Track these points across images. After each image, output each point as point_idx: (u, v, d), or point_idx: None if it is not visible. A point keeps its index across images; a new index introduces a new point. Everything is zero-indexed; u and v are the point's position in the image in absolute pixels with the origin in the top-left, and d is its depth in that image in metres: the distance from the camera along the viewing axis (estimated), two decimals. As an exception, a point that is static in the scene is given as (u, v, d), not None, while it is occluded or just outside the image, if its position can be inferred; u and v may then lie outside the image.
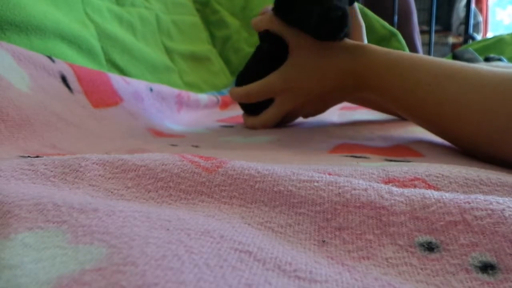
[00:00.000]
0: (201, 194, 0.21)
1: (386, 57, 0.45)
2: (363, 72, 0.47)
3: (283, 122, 0.57)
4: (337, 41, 0.48)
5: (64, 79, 0.43)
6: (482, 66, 0.38)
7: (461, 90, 0.37)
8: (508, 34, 1.43)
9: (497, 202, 0.18)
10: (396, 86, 0.43)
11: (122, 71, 0.69)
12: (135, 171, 0.23)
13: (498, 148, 0.34)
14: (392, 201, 0.19)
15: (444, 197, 0.18)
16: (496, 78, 0.35)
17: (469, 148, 0.38)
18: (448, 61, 0.41)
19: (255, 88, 0.53)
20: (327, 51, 0.49)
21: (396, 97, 0.44)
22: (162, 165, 0.23)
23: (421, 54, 0.45)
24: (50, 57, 0.43)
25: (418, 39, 1.61)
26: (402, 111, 0.46)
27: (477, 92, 0.36)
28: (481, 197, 0.18)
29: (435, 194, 0.19)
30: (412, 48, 1.49)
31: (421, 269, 0.16)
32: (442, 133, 0.41)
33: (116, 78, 0.55)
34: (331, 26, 0.45)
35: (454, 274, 0.16)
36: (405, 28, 1.46)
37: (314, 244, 0.18)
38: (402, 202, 0.19)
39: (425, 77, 0.40)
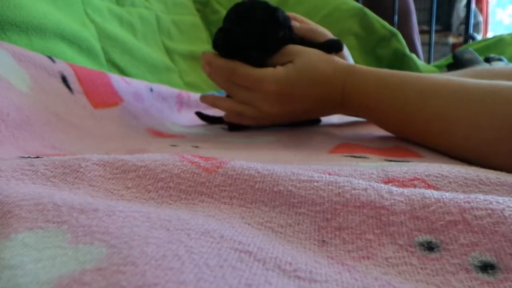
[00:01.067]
0: (201, 195, 0.21)
1: (374, 77, 0.46)
2: (350, 91, 0.47)
3: (253, 123, 0.55)
4: (330, 57, 0.50)
5: (64, 80, 0.43)
6: (467, 79, 0.39)
7: (448, 106, 0.38)
8: (508, 34, 1.43)
9: (497, 202, 0.18)
10: (384, 105, 0.44)
11: (122, 71, 0.69)
12: (135, 171, 0.23)
13: (487, 159, 0.34)
14: (392, 200, 0.19)
15: (444, 196, 0.18)
16: (481, 92, 0.36)
17: (459, 159, 0.38)
18: (434, 77, 0.42)
19: (246, 70, 0.49)
20: (324, 65, 0.49)
21: (384, 115, 0.45)
22: (162, 165, 0.23)
23: (407, 72, 0.45)
24: (50, 57, 0.43)
25: (417, 39, 1.61)
26: (391, 128, 0.46)
27: (463, 107, 0.36)
28: (481, 196, 0.18)
29: (435, 193, 0.19)
30: (412, 48, 1.49)
31: (421, 268, 0.16)
32: (431, 147, 0.41)
33: (116, 78, 0.55)
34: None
35: (454, 274, 0.16)
36: (404, 28, 1.45)
37: (314, 244, 0.18)
38: (402, 201, 0.19)
39: (412, 94, 0.41)
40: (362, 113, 0.49)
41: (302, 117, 0.54)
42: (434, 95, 0.39)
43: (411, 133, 0.43)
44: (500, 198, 0.18)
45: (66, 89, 0.43)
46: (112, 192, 0.22)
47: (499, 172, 0.25)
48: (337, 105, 0.49)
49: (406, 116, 0.42)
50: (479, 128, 0.35)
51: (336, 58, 0.50)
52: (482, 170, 0.25)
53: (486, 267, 0.16)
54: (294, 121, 0.55)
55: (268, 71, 0.48)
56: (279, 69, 0.48)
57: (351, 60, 0.58)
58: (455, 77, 0.41)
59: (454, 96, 0.38)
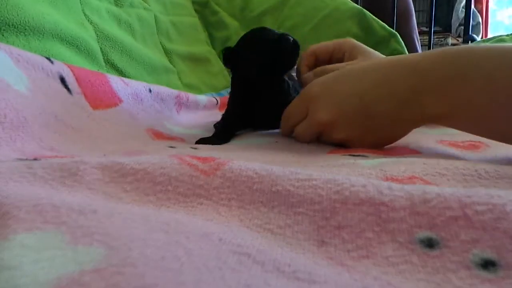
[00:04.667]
0: (199, 197, 0.21)
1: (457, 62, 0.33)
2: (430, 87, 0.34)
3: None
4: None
5: (63, 80, 0.43)
6: None
7: None
8: (508, 35, 1.44)
9: (499, 196, 0.17)
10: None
11: (121, 72, 0.69)
12: (133, 175, 0.23)
13: None
14: (392, 196, 0.19)
15: (444, 191, 0.18)
16: None
17: None
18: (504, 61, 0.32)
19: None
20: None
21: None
22: (161, 168, 0.23)
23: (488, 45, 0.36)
24: (48, 58, 0.43)
25: (417, 40, 1.61)
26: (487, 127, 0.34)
27: None
28: (482, 191, 0.18)
29: (436, 189, 0.19)
30: (411, 49, 1.49)
31: (422, 266, 0.16)
32: None
33: (115, 79, 0.55)
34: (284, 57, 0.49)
35: (454, 272, 0.16)
36: (404, 29, 1.46)
37: (313, 245, 0.18)
38: (402, 197, 0.18)
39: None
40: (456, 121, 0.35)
41: (382, 134, 0.40)
42: None
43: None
44: (502, 192, 0.18)
45: (64, 90, 0.43)
46: (110, 196, 0.21)
47: (497, 165, 0.24)
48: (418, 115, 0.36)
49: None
50: None
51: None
52: (480, 163, 0.25)
53: (487, 264, 0.16)
54: (382, 144, 0.41)
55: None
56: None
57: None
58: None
59: None
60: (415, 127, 0.38)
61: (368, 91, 0.38)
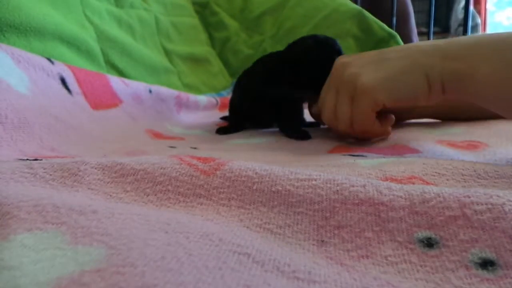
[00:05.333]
0: (199, 197, 0.21)
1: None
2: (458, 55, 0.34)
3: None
4: None
5: (63, 81, 0.43)
6: None
7: None
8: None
9: (497, 196, 0.17)
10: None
11: (121, 73, 0.69)
12: (133, 175, 0.23)
13: None
14: (391, 196, 0.19)
15: (443, 191, 0.18)
16: None
17: None
18: None
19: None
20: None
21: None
22: (161, 168, 0.23)
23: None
24: (49, 59, 0.43)
25: (416, 41, 1.61)
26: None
27: None
28: (480, 190, 0.18)
29: (435, 188, 0.19)
30: (411, 49, 1.49)
31: (421, 266, 0.16)
32: None
33: (115, 80, 0.55)
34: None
35: (453, 271, 0.16)
36: (403, 30, 1.46)
37: (313, 244, 0.18)
38: (401, 197, 0.19)
39: None
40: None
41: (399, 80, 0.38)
42: None
43: None
44: (500, 191, 0.18)
45: (65, 91, 0.43)
46: (110, 195, 0.22)
47: (496, 165, 0.25)
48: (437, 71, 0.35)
49: None
50: None
51: None
52: (479, 163, 0.25)
53: (486, 264, 0.16)
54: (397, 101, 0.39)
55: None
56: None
57: None
58: None
59: None
60: (428, 87, 0.36)
61: (388, 50, 0.41)
